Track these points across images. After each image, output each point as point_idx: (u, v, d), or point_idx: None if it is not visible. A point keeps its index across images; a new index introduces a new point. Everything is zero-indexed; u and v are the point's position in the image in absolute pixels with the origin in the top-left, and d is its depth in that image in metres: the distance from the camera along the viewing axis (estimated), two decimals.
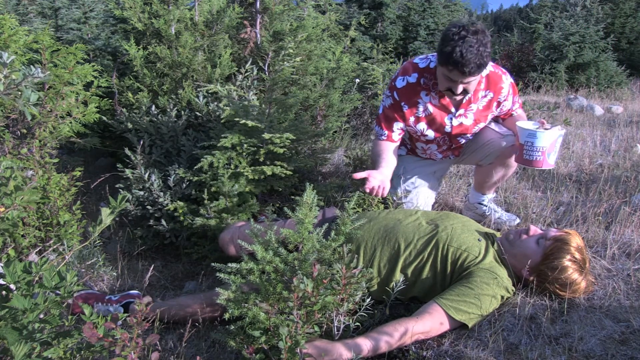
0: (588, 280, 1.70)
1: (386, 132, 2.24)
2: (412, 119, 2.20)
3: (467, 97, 2.11)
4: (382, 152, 2.21)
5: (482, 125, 2.25)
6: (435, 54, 2.11)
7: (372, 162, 2.29)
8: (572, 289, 1.65)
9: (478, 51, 1.83)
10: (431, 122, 2.20)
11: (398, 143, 2.29)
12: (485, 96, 2.16)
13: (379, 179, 2.04)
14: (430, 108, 2.17)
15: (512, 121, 2.24)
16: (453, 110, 2.17)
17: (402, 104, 2.17)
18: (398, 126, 2.23)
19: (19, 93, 1.14)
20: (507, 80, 2.16)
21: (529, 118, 2.22)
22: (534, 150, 1.99)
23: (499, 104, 2.20)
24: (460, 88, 1.97)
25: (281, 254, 1.53)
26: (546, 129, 1.97)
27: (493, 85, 2.14)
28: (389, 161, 2.18)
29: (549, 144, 1.96)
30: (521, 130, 2.01)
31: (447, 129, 2.22)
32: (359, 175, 1.99)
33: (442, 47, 1.88)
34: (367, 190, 2.02)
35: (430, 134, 2.24)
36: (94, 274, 2.26)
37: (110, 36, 4.65)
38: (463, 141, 2.31)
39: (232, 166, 2.41)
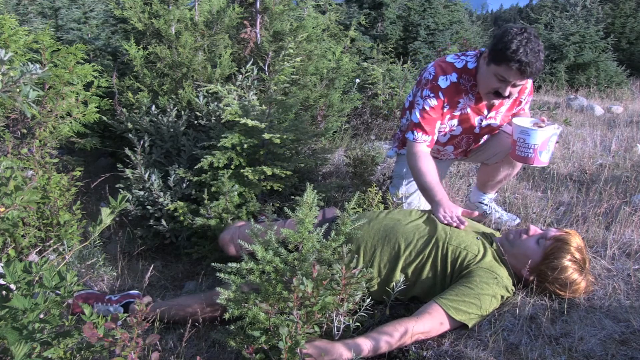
0: (588, 280, 1.70)
1: (430, 136, 2.10)
2: (447, 117, 2.15)
3: (500, 100, 2.09)
4: (434, 178, 2.02)
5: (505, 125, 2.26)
6: (468, 54, 2.09)
7: (424, 185, 2.02)
8: (572, 288, 1.65)
9: (538, 54, 1.84)
10: (463, 121, 2.18)
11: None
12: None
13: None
14: (467, 109, 2.14)
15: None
16: (485, 112, 2.17)
17: (445, 103, 2.10)
18: (438, 127, 2.14)
19: (18, 90, 1.14)
20: (529, 80, 2.17)
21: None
22: (526, 147, 2.01)
23: (520, 103, 2.22)
24: (508, 90, 1.94)
25: (281, 254, 1.53)
26: (540, 127, 1.99)
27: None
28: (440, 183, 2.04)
29: (541, 142, 1.97)
30: (516, 127, 2.03)
31: (477, 130, 2.21)
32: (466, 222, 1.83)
33: (505, 45, 1.84)
34: (462, 227, 1.81)
35: (458, 130, 2.21)
36: (94, 274, 2.26)
37: (111, 36, 4.66)
38: (482, 143, 2.32)
39: (232, 166, 2.41)
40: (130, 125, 2.83)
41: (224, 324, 1.77)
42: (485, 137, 2.31)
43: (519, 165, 2.28)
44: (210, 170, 2.42)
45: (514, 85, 1.93)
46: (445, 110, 2.11)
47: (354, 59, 4.77)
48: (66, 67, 2.46)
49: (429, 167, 2.05)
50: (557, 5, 11.26)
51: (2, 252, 2.01)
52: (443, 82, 2.07)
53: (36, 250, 2.10)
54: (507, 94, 1.95)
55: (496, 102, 2.07)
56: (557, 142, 2.11)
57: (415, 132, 2.11)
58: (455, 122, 2.19)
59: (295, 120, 2.76)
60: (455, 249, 1.70)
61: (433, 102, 2.08)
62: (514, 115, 2.29)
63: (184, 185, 2.52)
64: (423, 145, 2.10)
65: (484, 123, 2.20)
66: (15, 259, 2.03)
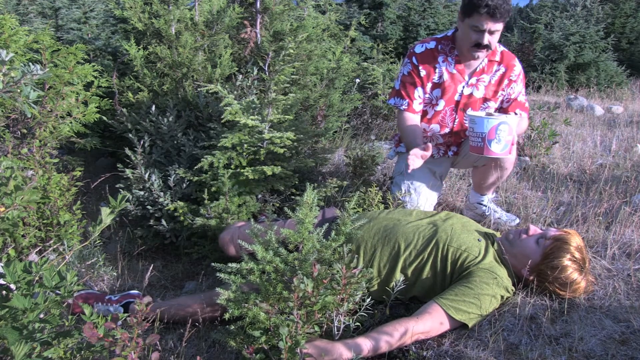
0: (588, 280, 1.70)
1: (407, 100, 2.29)
2: (429, 85, 2.28)
3: (483, 65, 2.22)
4: (413, 130, 2.23)
5: (491, 104, 2.31)
6: (449, 31, 2.26)
7: (405, 138, 2.30)
8: (572, 288, 1.65)
9: None
10: (444, 90, 2.27)
11: (419, 115, 2.33)
12: (499, 70, 2.26)
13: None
14: (446, 75, 2.25)
15: None
16: (466, 77, 2.25)
17: (420, 68, 2.26)
18: (418, 93, 2.28)
19: (19, 91, 1.14)
20: (518, 63, 2.29)
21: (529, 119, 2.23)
22: (475, 137, 2.02)
23: (509, 82, 2.28)
24: (486, 38, 2.06)
25: (281, 254, 1.53)
26: (490, 114, 2.02)
27: (507, 60, 2.26)
28: (421, 136, 2.23)
29: (488, 130, 1.97)
30: (467, 116, 2.10)
31: (457, 97, 2.28)
32: (415, 164, 2.00)
33: None
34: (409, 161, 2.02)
35: (441, 104, 2.30)
36: (94, 274, 2.25)
37: (111, 36, 4.66)
38: (466, 122, 2.31)
39: (232, 166, 2.41)
40: (130, 125, 2.82)
41: (224, 324, 1.77)
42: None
43: (509, 167, 2.27)
44: (210, 170, 2.42)
45: (491, 33, 2.05)
46: (423, 75, 2.26)
47: (354, 59, 4.77)
48: (66, 67, 2.46)
49: (409, 123, 2.27)
50: (557, 5, 11.27)
51: (2, 252, 2.01)
52: (418, 49, 2.28)
53: (36, 250, 2.10)
54: (485, 42, 2.07)
55: (481, 55, 2.17)
56: (511, 133, 2.01)
57: (395, 98, 2.35)
58: (438, 93, 2.29)
59: (295, 120, 2.76)
60: (455, 250, 1.70)
61: (408, 67, 2.30)
62: (509, 108, 2.30)
63: (184, 185, 2.52)
64: (403, 108, 2.31)
65: (466, 91, 2.27)
66: (15, 259, 2.03)
